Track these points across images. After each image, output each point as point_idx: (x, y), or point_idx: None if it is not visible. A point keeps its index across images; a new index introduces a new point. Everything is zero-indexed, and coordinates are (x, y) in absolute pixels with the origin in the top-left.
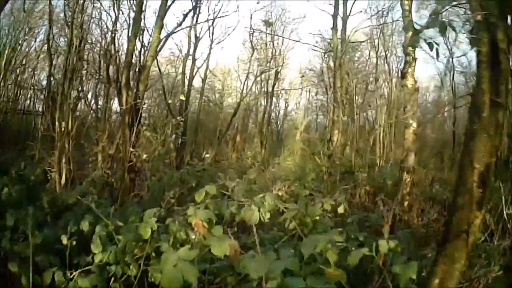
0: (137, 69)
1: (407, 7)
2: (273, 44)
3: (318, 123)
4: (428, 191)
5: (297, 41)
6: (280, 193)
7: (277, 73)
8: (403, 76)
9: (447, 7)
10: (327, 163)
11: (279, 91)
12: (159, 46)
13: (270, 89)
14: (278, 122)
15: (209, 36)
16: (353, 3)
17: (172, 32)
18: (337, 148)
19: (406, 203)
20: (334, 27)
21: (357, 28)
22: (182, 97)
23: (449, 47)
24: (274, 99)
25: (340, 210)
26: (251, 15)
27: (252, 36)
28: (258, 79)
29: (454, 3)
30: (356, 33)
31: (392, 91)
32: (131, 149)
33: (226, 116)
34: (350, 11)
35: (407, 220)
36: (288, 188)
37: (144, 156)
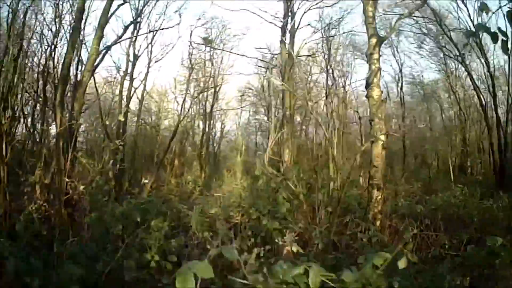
0: (73, 85)
1: (370, 14)
2: (212, 62)
3: (258, 144)
4: (399, 206)
5: (243, 55)
6: None
7: (215, 93)
8: (368, 86)
9: (406, 16)
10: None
11: (217, 112)
12: (97, 60)
13: (208, 109)
14: (215, 144)
15: (148, 54)
16: (302, 15)
17: (112, 44)
18: (288, 169)
19: (378, 222)
20: (283, 40)
21: (306, 41)
22: (121, 117)
23: (398, 58)
24: (212, 120)
25: None
26: (191, 31)
27: (191, 55)
28: (196, 99)
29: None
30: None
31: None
32: (67, 179)
33: (163, 139)
34: (299, 24)
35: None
36: (243, 216)
37: (81, 187)
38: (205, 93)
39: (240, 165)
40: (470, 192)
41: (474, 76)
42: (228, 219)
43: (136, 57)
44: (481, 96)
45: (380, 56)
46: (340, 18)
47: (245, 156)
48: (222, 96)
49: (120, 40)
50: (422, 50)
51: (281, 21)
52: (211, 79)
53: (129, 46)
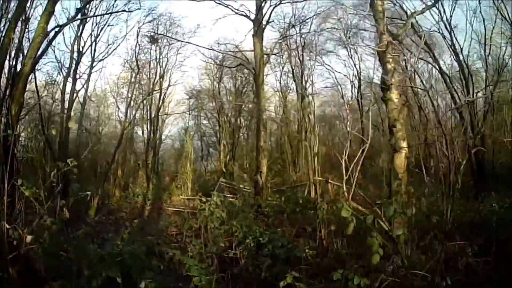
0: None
1: (380, 8)
2: (159, 63)
3: (210, 152)
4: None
5: (211, 48)
6: None
7: (161, 96)
8: (387, 88)
9: (419, 14)
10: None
11: (163, 116)
12: (43, 45)
13: (154, 114)
14: (160, 152)
15: (91, 52)
16: (272, 9)
17: (64, 25)
18: (267, 181)
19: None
20: (257, 34)
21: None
22: (72, 125)
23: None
24: (158, 126)
25: None
26: (138, 29)
27: (137, 54)
28: (141, 104)
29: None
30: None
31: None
32: (7, 225)
33: (106, 148)
34: (269, 18)
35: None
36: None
37: (28, 238)
38: (150, 97)
39: (189, 174)
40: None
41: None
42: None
43: (80, 55)
44: (455, 96)
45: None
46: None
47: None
48: (169, 99)
49: (72, 20)
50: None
51: (252, 14)
52: (157, 81)
53: (74, 42)
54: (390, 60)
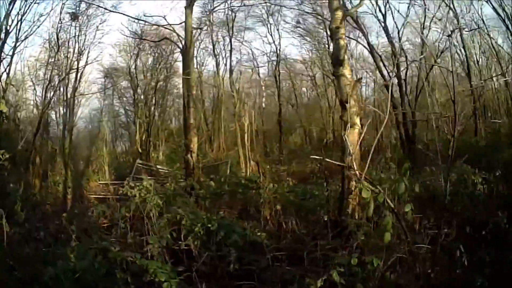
0: None
1: None
2: (77, 41)
3: (124, 133)
4: None
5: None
6: None
7: (77, 75)
8: (339, 63)
9: None
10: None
11: (79, 98)
12: None
13: (70, 95)
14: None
15: (16, 32)
16: None
17: None
18: (199, 158)
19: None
20: (189, 5)
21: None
22: (3, 107)
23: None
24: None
25: None
26: (62, 4)
27: (58, 32)
28: (58, 84)
29: None
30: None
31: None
32: None
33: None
34: None
35: None
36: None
37: None
38: (67, 77)
39: (106, 158)
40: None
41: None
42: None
43: (7, 34)
44: (385, 75)
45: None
46: None
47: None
48: (84, 79)
49: None
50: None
51: None
52: (75, 60)
53: (3, 19)
54: (343, 36)
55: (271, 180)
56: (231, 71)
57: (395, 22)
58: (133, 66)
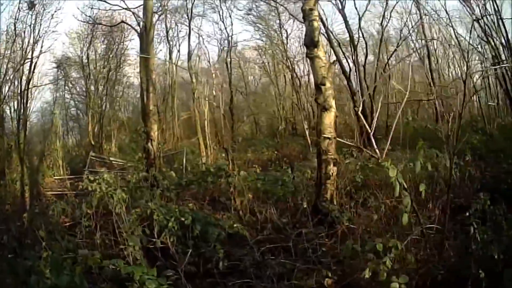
0: None
1: None
2: (33, 30)
3: (75, 126)
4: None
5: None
6: None
7: (31, 66)
8: (314, 45)
9: None
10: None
11: (33, 90)
12: None
13: (24, 87)
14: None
15: None
16: None
17: None
18: (159, 147)
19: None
20: None
21: None
22: None
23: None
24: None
25: None
26: None
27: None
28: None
29: None
30: None
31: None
32: None
33: None
34: None
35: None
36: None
37: None
38: (21, 69)
39: (59, 152)
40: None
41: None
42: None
43: None
44: (343, 63)
45: None
46: None
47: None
48: (38, 70)
49: None
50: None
51: None
52: (29, 50)
53: None
54: (316, 18)
55: (239, 168)
56: (189, 56)
57: (357, 10)
58: (85, 55)
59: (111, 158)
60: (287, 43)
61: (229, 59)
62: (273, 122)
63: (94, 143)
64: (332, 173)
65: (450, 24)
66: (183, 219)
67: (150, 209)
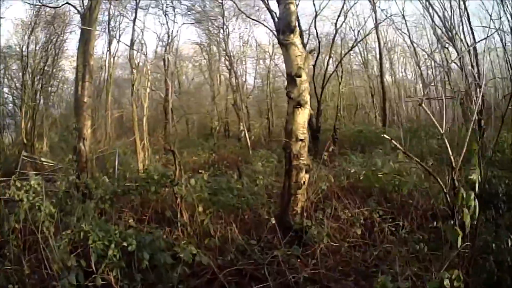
0: None
1: None
2: None
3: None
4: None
5: None
6: None
7: None
8: (291, 30)
9: None
10: None
11: None
12: None
13: None
14: None
15: None
16: None
17: None
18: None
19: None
20: None
21: None
22: None
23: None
24: None
25: None
26: None
27: None
28: None
29: None
30: None
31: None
32: None
33: None
34: None
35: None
36: None
37: None
38: None
39: None
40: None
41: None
42: None
43: None
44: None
45: None
46: None
47: None
48: None
49: None
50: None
51: None
52: None
53: None
54: (293, 1)
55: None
56: (132, 44)
57: (314, 7)
58: (26, 46)
59: (42, 159)
60: (227, 41)
61: (167, 56)
62: (206, 122)
63: (26, 142)
64: (304, 182)
65: (407, 28)
66: (125, 244)
67: (83, 231)
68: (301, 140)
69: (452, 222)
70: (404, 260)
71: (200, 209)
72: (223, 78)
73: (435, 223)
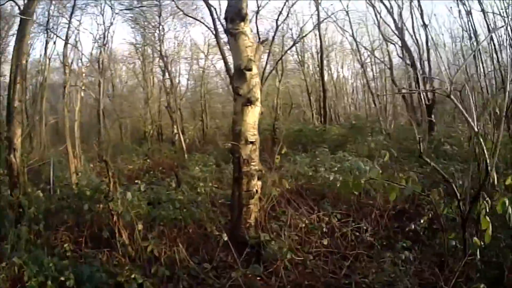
0: None
1: None
2: None
3: None
4: None
5: None
6: None
7: None
8: (241, 17)
9: None
10: None
11: None
12: None
13: None
14: None
15: None
16: None
17: None
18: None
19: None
20: None
21: None
22: None
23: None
24: None
25: None
26: None
27: None
28: None
29: None
30: None
31: None
32: None
33: None
34: None
35: None
36: None
37: None
38: None
39: None
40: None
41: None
42: None
43: None
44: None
45: None
46: None
47: None
48: None
49: None
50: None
51: None
52: None
53: None
54: None
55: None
56: (65, 44)
57: (257, 3)
58: None
59: None
60: (162, 41)
61: (101, 58)
62: (139, 126)
63: None
64: (256, 190)
65: (350, 25)
66: (63, 278)
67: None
68: (252, 142)
69: (463, 230)
70: (377, 267)
71: (140, 227)
72: (156, 80)
73: (413, 225)
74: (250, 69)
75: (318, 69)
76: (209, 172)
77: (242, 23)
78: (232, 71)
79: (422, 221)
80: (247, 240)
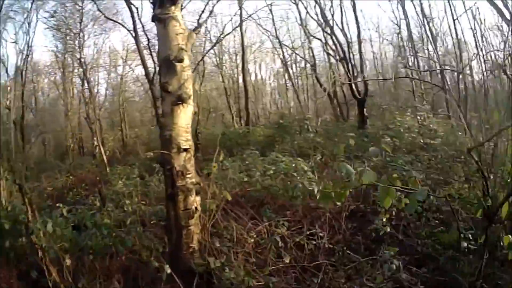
0: None
1: None
2: None
3: None
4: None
5: None
6: None
7: None
8: (172, 1)
9: None
10: None
11: None
12: None
13: None
14: None
15: None
16: None
17: None
18: None
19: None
20: None
21: None
22: None
23: None
24: None
25: None
26: None
27: None
28: None
29: None
30: None
31: None
32: None
33: None
34: None
35: None
36: None
37: None
38: None
39: None
40: None
41: None
42: None
43: None
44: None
45: None
46: None
47: None
48: None
49: None
50: None
51: None
52: None
53: None
54: None
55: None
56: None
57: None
58: None
59: None
60: (82, 49)
61: (23, 69)
62: (61, 140)
63: None
64: (196, 208)
65: (273, 24)
66: None
67: None
68: (186, 150)
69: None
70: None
71: (68, 262)
72: (76, 91)
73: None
74: (181, 60)
75: (236, 70)
76: (133, 185)
77: (173, 7)
78: (156, 69)
79: (384, 219)
80: (194, 269)
